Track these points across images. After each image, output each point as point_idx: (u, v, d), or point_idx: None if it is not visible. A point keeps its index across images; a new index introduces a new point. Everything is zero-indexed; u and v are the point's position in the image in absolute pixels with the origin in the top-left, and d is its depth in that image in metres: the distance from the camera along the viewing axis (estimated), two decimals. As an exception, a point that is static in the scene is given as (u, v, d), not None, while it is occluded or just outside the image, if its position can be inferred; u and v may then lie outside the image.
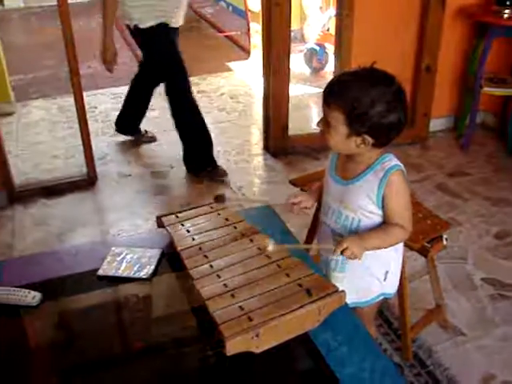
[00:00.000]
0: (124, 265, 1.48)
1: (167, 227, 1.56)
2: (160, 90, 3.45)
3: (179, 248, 1.46)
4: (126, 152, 3.74)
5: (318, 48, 5.00)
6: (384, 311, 2.26)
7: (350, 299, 1.36)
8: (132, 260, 1.50)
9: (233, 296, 1.26)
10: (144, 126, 3.84)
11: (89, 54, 4.49)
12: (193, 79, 3.49)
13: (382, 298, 1.66)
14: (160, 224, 1.61)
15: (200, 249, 1.45)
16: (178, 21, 3.17)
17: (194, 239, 1.49)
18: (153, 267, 1.47)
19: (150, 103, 3.70)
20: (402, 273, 1.76)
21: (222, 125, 4.05)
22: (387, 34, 3.34)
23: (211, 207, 1.65)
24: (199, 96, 4.34)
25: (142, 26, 3.05)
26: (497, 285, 2.43)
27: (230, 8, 7.54)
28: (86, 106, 3.21)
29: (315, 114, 4.37)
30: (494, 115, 3.82)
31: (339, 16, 3.34)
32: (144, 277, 1.45)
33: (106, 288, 1.45)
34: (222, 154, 3.59)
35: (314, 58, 5.08)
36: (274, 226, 1.63)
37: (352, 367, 1.17)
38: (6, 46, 4.47)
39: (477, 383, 1.97)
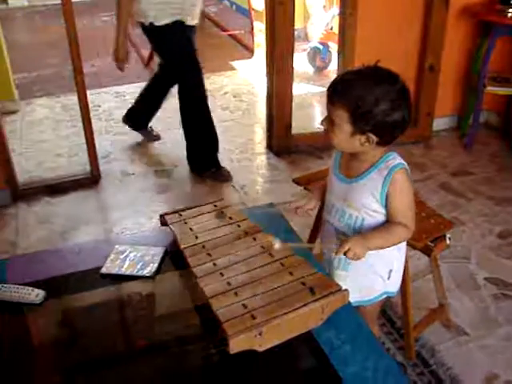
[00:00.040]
0: (127, 263, 1.49)
1: (171, 225, 1.57)
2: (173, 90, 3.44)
3: (182, 246, 1.46)
4: (130, 150, 3.74)
5: (321, 47, 4.99)
6: (387, 310, 2.26)
7: (353, 298, 1.36)
8: (135, 258, 1.50)
9: (236, 294, 1.26)
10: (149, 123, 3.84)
11: (92, 52, 4.49)
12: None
13: (384, 296, 1.66)
14: (163, 222, 1.61)
15: (203, 247, 1.45)
16: (194, 18, 3.14)
17: (197, 237, 1.49)
18: (156, 265, 1.47)
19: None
20: (405, 272, 1.76)
21: (225, 124, 4.05)
22: (391, 33, 3.33)
23: (215, 205, 1.65)
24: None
25: (157, 23, 3.03)
26: (500, 284, 2.43)
27: (234, 7, 7.52)
28: (90, 105, 3.21)
29: (318, 112, 4.37)
30: (498, 114, 3.81)
31: (343, 15, 3.34)
32: (147, 275, 1.45)
33: (110, 286, 1.46)
34: (225, 152, 3.59)
35: (318, 56, 5.07)
36: (277, 225, 1.63)
37: (355, 366, 1.17)
38: (10, 45, 4.47)
39: (480, 383, 1.97)
